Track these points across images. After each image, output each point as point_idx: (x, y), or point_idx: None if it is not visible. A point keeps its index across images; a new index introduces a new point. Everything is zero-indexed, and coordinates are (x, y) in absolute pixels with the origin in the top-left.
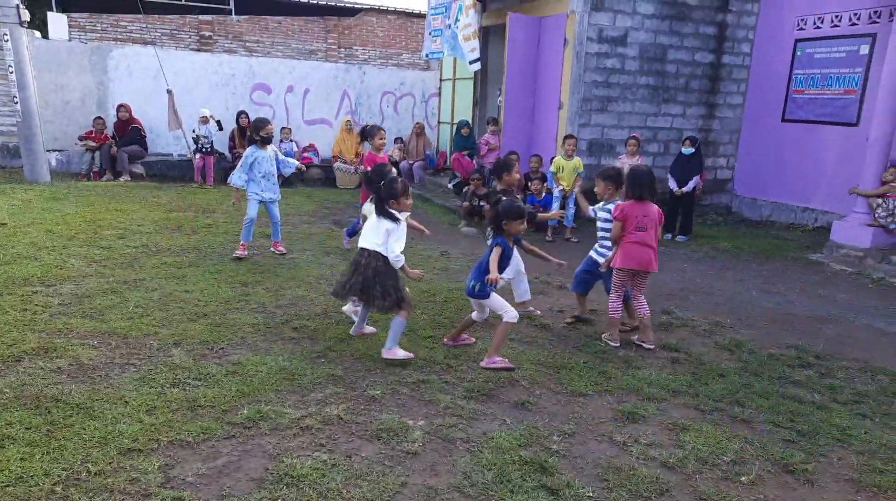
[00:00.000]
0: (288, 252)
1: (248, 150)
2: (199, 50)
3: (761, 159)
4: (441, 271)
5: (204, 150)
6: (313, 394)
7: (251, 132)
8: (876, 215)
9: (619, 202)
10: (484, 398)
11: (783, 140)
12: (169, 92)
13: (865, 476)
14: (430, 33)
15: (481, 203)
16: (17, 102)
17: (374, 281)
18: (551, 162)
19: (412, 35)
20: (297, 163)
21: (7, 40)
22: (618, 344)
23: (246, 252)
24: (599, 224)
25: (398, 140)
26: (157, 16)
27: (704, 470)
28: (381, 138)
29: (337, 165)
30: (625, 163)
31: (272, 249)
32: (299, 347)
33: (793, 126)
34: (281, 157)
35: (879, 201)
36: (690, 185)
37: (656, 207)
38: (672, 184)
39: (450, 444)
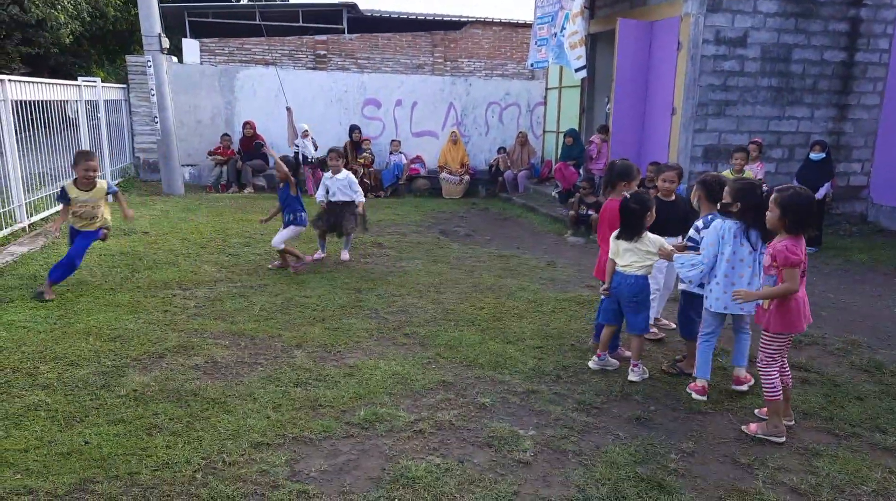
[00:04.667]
0: (398, 260)
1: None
2: (314, 68)
3: None
4: (548, 282)
5: (309, 162)
6: (425, 399)
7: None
8: None
9: (781, 240)
10: (596, 412)
11: None
12: (288, 109)
13: None
14: (535, 43)
15: (588, 212)
16: (157, 122)
17: None
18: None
19: (517, 45)
20: None
21: (150, 66)
22: (783, 439)
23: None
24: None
25: (501, 150)
26: (277, 38)
27: (841, 500)
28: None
29: (443, 175)
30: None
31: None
32: (411, 352)
33: None
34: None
35: None
36: (821, 192)
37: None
38: None
39: (561, 455)
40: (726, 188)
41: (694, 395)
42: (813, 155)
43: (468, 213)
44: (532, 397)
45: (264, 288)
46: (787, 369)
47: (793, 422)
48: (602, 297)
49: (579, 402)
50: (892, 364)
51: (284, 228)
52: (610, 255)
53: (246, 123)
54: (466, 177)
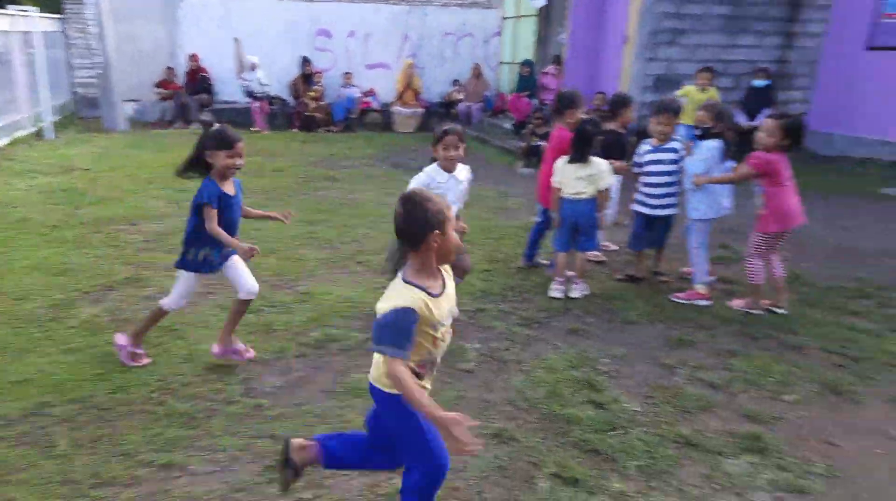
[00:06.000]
0: (350, 193)
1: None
2: None
3: (841, 91)
4: (498, 211)
5: (257, 95)
6: None
7: None
8: None
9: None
10: (538, 326)
11: (867, 69)
12: (236, 40)
13: None
14: None
15: (540, 142)
16: (96, 54)
17: None
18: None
19: None
20: None
21: None
22: (763, 312)
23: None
24: (662, 168)
25: (456, 82)
26: None
27: (750, 390)
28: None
29: (396, 108)
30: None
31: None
32: (364, 279)
33: (880, 54)
34: None
35: None
36: (760, 118)
37: None
38: (741, 118)
39: (503, 365)
40: (703, 113)
41: (701, 302)
42: (756, 82)
43: (421, 146)
44: (479, 315)
45: None
46: (779, 266)
47: (784, 309)
48: (556, 224)
49: (522, 318)
50: (808, 276)
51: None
52: (555, 183)
53: (191, 56)
54: (420, 110)
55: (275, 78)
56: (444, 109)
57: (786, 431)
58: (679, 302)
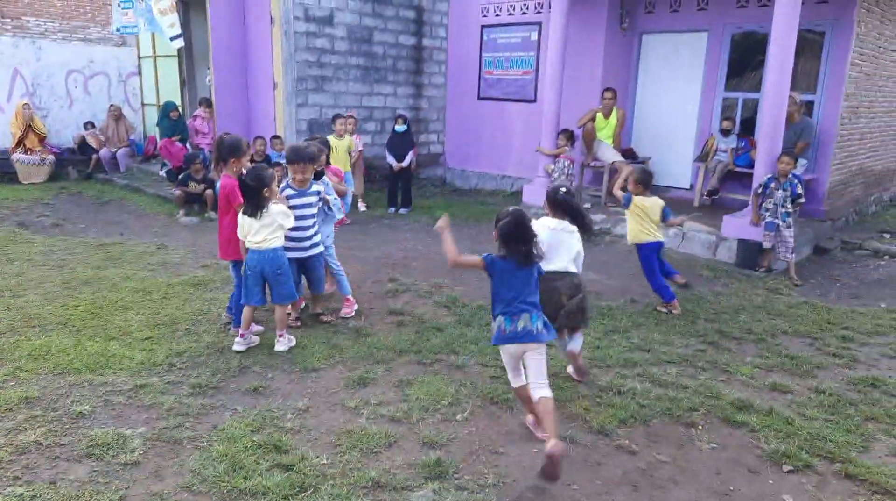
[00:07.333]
0: None
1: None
2: None
3: (465, 134)
4: (158, 267)
5: None
6: (1, 423)
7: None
8: (553, 179)
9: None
10: (213, 392)
11: (480, 116)
12: None
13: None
14: (119, 4)
15: (200, 188)
16: None
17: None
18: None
19: (99, 6)
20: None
21: None
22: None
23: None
24: (309, 211)
25: (89, 125)
26: None
27: (426, 417)
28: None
29: (17, 156)
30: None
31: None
32: None
33: (487, 104)
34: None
35: (553, 166)
36: (407, 160)
37: None
38: (390, 160)
39: (176, 445)
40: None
41: (354, 306)
42: (397, 127)
43: (56, 199)
44: (141, 392)
45: None
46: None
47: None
48: (245, 276)
49: (195, 386)
50: (465, 298)
51: None
52: (240, 235)
53: None
54: (50, 157)
55: None
56: (81, 155)
57: (460, 449)
58: (346, 317)
